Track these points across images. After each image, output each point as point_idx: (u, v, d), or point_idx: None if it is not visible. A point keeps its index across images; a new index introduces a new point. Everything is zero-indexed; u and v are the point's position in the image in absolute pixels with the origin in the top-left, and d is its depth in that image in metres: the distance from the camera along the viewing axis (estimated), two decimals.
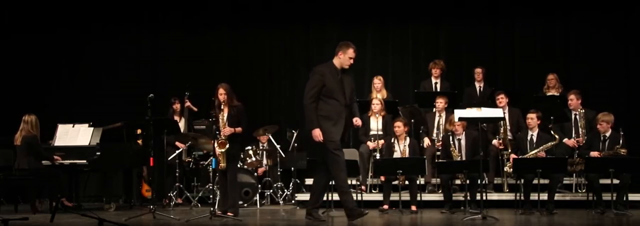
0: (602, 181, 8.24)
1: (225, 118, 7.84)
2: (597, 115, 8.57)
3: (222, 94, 7.82)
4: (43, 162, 8.76)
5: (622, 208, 7.95)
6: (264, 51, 12.06)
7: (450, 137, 8.66)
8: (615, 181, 7.89)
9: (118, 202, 9.62)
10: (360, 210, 7.18)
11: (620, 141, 8.34)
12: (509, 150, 8.87)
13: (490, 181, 9.17)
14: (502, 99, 9.30)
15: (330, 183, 7.61)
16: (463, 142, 8.67)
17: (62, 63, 11.97)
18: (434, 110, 9.64)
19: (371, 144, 9.39)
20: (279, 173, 10.11)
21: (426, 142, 9.40)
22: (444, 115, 9.45)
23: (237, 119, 7.86)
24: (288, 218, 8.11)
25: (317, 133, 6.90)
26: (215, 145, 7.74)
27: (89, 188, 9.93)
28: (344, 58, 7.08)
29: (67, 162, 8.92)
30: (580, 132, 9.07)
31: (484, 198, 7.98)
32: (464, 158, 8.56)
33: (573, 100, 9.08)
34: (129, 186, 9.94)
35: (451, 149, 8.59)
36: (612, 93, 10.74)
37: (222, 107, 7.82)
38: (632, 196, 8.49)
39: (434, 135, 9.51)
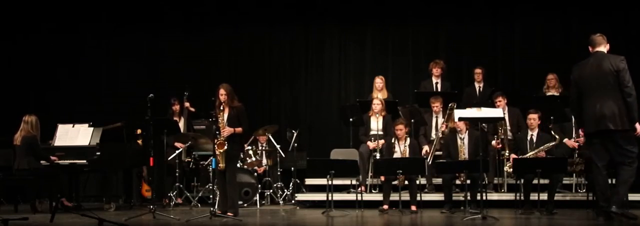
0: None
1: (225, 118, 7.82)
2: None
3: (222, 95, 7.80)
4: (41, 162, 8.75)
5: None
6: (264, 51, 12.05)
7: (455, 135, 8.64)
8: None
9: (118, 202, 9.62)
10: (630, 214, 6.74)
11: None
12: (507, 150, 8.86)
13: (490, 182, 9.16)
14: (500, 102, 9.27)
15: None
16: (466, 141, 8.66)
17: (62, 63, 11.96)
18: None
19: (371, 144, 9.38)
20: (279, 173, 10.11)
21: (425, 149, 9.37)
22: (441, 116, 9.44)
23: (237, 120, 7.84)
24: (288, 218, 8.11)
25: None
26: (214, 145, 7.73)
27: (89, 188, 9.95)
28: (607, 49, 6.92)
29: (67, 162, 8.92)
30: (581, 132, 9.04)
31: (484, 198, 7.97)
32: (466, 157, 8.56)
33: None
34: (129, 186, 9.96)
35: (459, 148, 8.56)
36: None
37: (222, 108, 7.81)
38: (632, 196, 8.48)
39: (433, 135, 9.51)
